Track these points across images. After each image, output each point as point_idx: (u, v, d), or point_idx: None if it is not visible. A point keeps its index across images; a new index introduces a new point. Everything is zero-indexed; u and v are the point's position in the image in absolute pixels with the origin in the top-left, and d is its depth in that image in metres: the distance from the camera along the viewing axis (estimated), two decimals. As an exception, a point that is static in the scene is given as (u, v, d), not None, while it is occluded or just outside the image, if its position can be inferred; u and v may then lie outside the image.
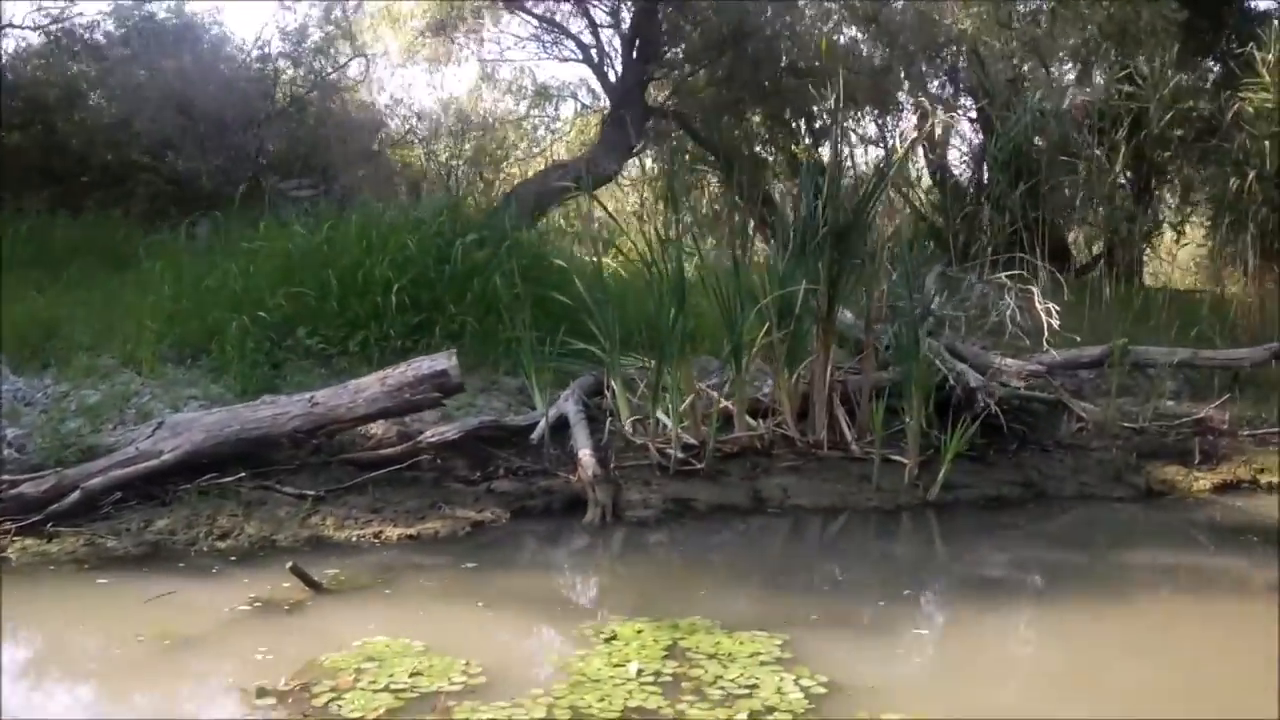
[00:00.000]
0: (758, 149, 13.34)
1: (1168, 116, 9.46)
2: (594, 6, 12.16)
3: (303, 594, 4.64)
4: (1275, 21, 9.23)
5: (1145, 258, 12.92)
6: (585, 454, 6.47)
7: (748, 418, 7.43)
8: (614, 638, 4.23)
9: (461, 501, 6.05)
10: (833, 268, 7.53)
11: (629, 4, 11.91)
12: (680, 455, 6.83)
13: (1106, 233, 11.15)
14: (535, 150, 15.71)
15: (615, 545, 5.92)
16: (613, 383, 7.22)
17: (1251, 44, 9.38)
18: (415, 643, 4.09)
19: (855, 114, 12.67)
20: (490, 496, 6.17)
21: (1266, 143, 9.10)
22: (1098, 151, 9.50)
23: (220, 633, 4.38)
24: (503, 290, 7.22)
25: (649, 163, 14.05)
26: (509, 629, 4.50)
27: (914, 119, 8.95)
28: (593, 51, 12.58)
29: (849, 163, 12.92)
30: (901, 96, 13.30)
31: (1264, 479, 7.82)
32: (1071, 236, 12.83)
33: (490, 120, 15.39)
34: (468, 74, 18.09)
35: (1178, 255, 13.18)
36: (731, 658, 4.09)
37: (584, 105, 15.47)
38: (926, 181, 14.08)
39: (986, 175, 11.96)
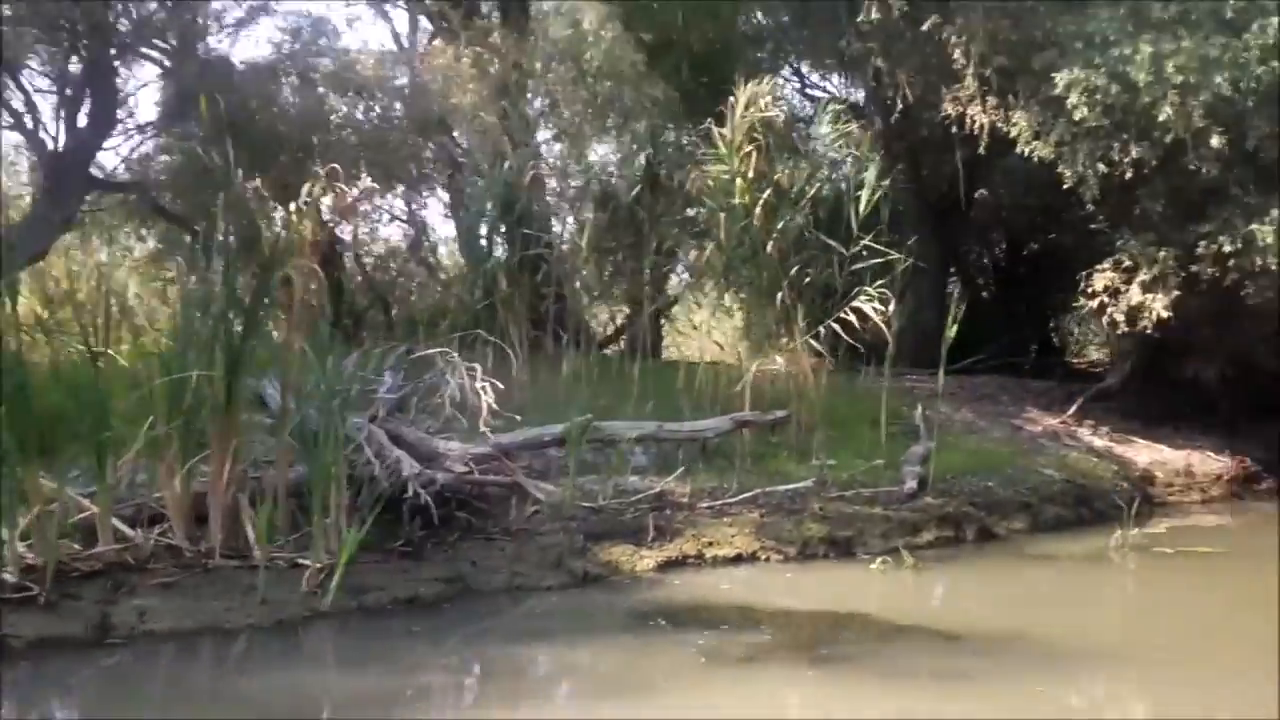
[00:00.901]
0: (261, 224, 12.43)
1: (635, 191, 9.43)
2: (27, 67, 10.74)
3: None
4: (730, 99, 9.37)
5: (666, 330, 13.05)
6: None
7: (124, 527, 6.41)
8: None
9: None
10: (232, 351, 6.70)
11: (73, 62, 10.64)
12: (13, 579, 5.69)
13: (610, 307, 11.02)
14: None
15: None
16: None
17: (710, 120, 9.49)
18: None
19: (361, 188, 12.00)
20: None
21: (723, 215, 9.18)
22: (558, 227, 9.30)
23: None
24: None
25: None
26: None
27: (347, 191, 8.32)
28: (26, 118, 11.15)
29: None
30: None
31: (710, 553, 7.62)
32: (592, 312, 12.72)
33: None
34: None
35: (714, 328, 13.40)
36: None
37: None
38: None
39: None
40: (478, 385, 7.44)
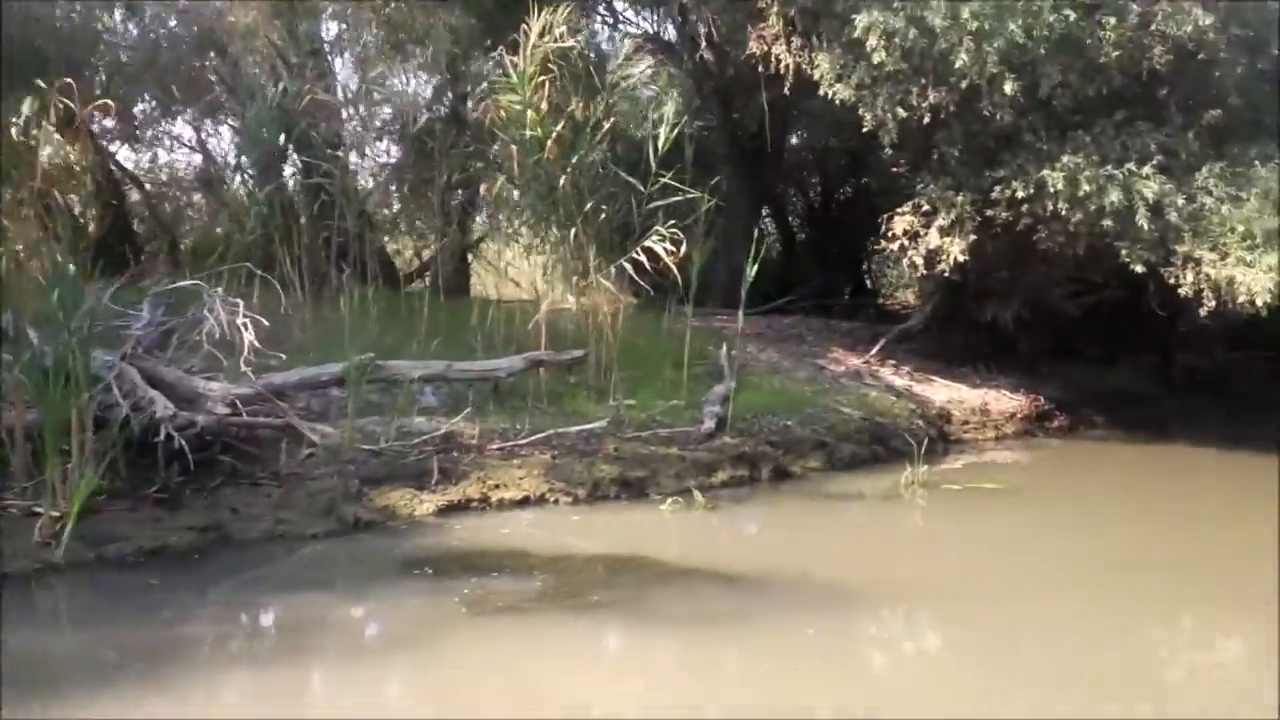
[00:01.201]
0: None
1: (424, 120, 8.94)
2: None
3: None
4: (524, 27, 8.93)
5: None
6: None
7: None
8: None
9: None
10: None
11: None
12: None
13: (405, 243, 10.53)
14: None
15: None
16: None
17: (501, 49, 9.03)
18: None
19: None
20: None
21: (514, 147, 8.79)
22: (351, 157, 8.75)
23: None
24: None
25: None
26: None
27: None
28: None
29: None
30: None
31: (496, 496, 7.34)
32: (394, 247, 12.20)
33: None
34: None
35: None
36: None
37: None
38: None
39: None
40: (239, 322, 6.89)
